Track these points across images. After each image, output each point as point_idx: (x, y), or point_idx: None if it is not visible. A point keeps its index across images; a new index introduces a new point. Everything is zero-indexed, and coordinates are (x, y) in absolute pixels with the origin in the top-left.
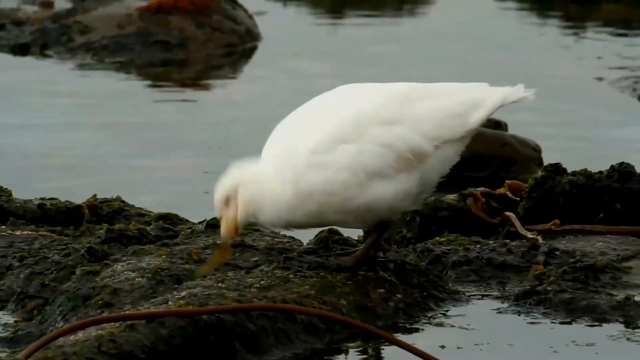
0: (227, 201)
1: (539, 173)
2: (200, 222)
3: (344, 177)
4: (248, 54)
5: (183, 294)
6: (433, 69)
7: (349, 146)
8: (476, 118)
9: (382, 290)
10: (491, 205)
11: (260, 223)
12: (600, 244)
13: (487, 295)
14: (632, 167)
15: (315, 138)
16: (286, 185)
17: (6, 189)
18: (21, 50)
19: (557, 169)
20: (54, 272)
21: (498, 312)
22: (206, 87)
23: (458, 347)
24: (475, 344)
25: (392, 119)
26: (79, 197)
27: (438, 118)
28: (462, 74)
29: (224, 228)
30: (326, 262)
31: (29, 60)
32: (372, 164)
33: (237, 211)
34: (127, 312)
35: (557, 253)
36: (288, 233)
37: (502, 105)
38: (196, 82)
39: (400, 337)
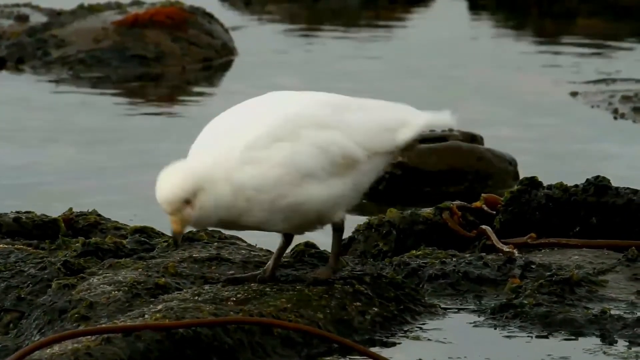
0: (188, 201)
1: (515, 187)
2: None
3: (278, 173)
4: (224, 68)
5: (159, 307)
6: (407, 83)
7: (284, 144)
8: (403, 136)
9: (358, 303)
10: (467, 218)
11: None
12: (577, 257)
13: (463, 309)
14: (608, 180)
15: (250, 135)
16: (221, 182)
17: None
18: None
19: (533, 183)
20: (30, 285)
21: (474, 326)
22: (183, 102)
23: None
24: (451, 358)
25: (327, 124)
26: (55, 211)
27: (369, 129)
28: (436, 89)
29: (177, 226)
30: (303, 276)
31: (3, 74)
32: (306, 164)
33: (195, 212)
34: (103, 325)
35: (534, 266)
36: (264, 246)
37: (428, 129)
38: (173, 96)
39: (377, 350)
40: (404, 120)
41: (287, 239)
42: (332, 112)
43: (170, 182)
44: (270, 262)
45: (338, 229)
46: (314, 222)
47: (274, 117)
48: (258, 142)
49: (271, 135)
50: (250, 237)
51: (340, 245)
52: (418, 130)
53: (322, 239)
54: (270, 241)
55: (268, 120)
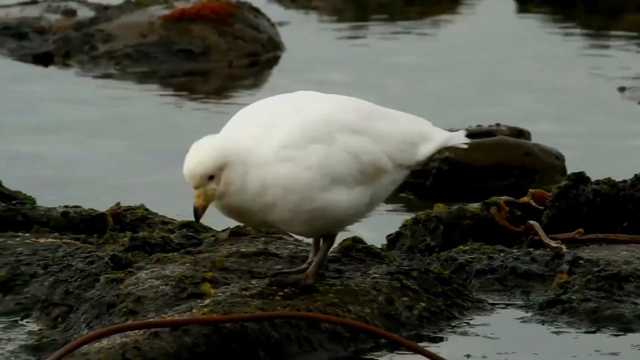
0: (212, 177)
1: (563, 182)
2: (223, 230)
3: (310, 176)
4: (271, 63)
5: (207, 301)
6: (453, 79)
7: (319, 146)
8: (424, 151)
9: (405, 298)
10: (515, 214)
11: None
12: (625, 252)
13: (511, 304)
14: None
15: (285, 132)
16: (254, 170)
17: (30, 197)
18: (44, 59)
19: (580, 178)
20: (78, 279)
21: (522, 321)
22: (230, 97)
23: (483, 357)
24: (499, 353)
25: (359, 130)
26: (102, 205)
27: (396, 140)
28: (483, 85)
29: (199, 200)
30: (286, 279)
31: (51, 69)
32: (338, 170)
33: (219, 188)
34: (151, 319)
35: (581, 262)
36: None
37: (444, 147)
38: (219, 91)
39: (425, 346)
40: (426, 135)
41: (327, 240)
42: (364, 118)
43: (198, 155)
44: (312, 267)
45: (329, 239)
46: (331, 228)
47: (310, 116)
48: (294, 140)
49: (307, 136)
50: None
51: (326, 255)
52: (438, 146)
53: (369, 234)
54: None
55: (303, 119)
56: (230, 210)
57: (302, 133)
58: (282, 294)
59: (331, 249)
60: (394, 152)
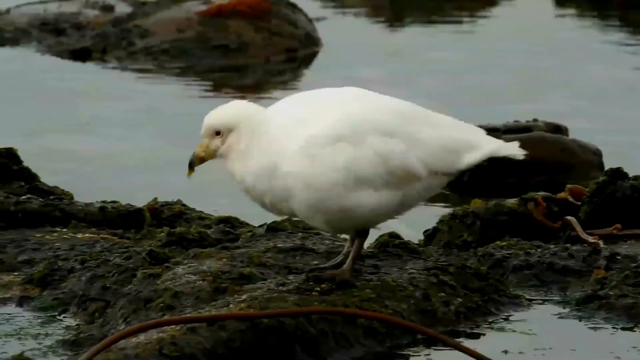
0: (219, 133)
1: (600, 178)
2: (260, 226)
3: (335, 176)
4: (308, 59)
5: (244, 297)
6: (491, 75)
7: (346, 146)
8: (468, 160)
9: (442, 294)
10: (552, 209)
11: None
12: None
13: (548, 300)
14: None
15: (315, 127)
16: (268, 153)
17: (68, 192)
18: (81, 54)
19: (618, 174)
20: (116, 275)
21: (559, 317)
22: (267, 92)
23: (520, 352)
24: (537, 349)
25: (393, 133)
26: (140, 201)
27: (435, 147)
28: (520, 81)
29: (199, 150)
30: (322, 274)
31: (89, 65)
32: (364, 171)
33: (222, 148)
34: (188, 315)
35: (619, 257)
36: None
37: (493, 156)
38: (256, 87)
39: (461, 342)
40: (472, 144)
41: (361, 235)
42: (401, 121)
43: (217, 109)
44: (347, 263)
45: (362, 234)
46: (356, 227)
47: (342, 114)
48: (320, 138)
49: (334, 135)
50: None
51: (361, 249)
52: (484, 156)
53: (406, 230)
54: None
55: (335, 117)
56: (241, 187)
57: (330, 131)
58: (318, 289)
59: (367, 245)
60: (430, 159)
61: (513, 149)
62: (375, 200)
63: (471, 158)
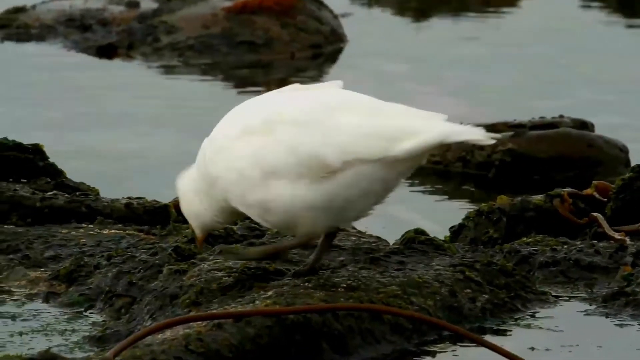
0: None
1: (627, 174)
2: None
3: (241, 166)
4: (333, 55)
5: (270, 293)
6: (516, 70)
7: (254, 137)
8: (404, 147)
9: (468, 290)
10: (578, 206)
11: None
12: None
13: (574, 297)
14: None
15: (232, 125)
16: (198, 171)
17: (94, 188)
18: (107, 50)
19: None
20: (142, 271)
21: (586, 314)
22: None
23: (546, 349)
24: (563, 346)
25: (306, 123)
26: (165, 197)
27: (357, 134)
28: (546, 76)
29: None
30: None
31: (114, 61)
32: (273, 161)
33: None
34: (214, 311)
35: None
36: (374, 233)
37: (445, 142)
38: (282, 83)
39: (488, 338)
40: (408, 130)
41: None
42: (323, 110)
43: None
44: (312, 259)
45: (330, 235)
46: (290, 224)
47: (258, 109)
48: (232, 131)
49: (245, 127)
50: (360, 224)
51: (325, 249)
52: (424, 143)
53: (432, 226)
54: (379, 230)
55: (250, 112)
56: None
57: (241, 124)
58: (344, 285)
59: (392, 241)
60: (349, 147)
61: (471, 134)
62: (290, 192)
63: (407, 145)
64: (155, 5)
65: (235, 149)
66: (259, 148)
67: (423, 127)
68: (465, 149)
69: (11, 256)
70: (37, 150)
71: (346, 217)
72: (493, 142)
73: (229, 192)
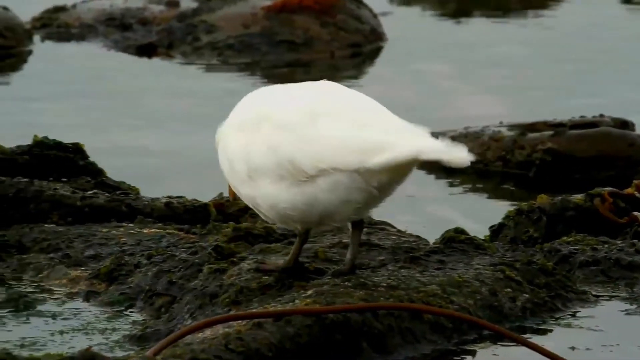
0: None
1: None
2: None
3: (232, 159)
4: (373, 54)
5: (310, 292)
6: (557, 69)
7: (242, 135)
8: (377, 161)
9: (509, 289)
10: (619, 205)
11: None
12: None
13: (615, 296)
14: None
15: (235, 116)
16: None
17: (134, 187)
18: (147, 50)
19: None
20: (182, 270)
21: (627, 314)
22: None
23: (587, 349)
24: (604, 345)
25: (290, 126)
26: (205, 196)
27: (334, 145)
28: (587, 75)
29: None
30: (260, 265)
31: (154, 60)
32: (255, 159)
33: None
34: (254, 310)
35: None
36: (414, 232)
37: (419, 159)
38: None
39: (528, 338)
40: (382, 145)
41: (356, 226)
42: (308, 115)
43: None
44: (289, 255)
45: (299, 233)
46: (281, 219)
47: (253, 106)
48: (233, 122)
49: (237, 124)
50: (400, 223)
51: (300, 246)
52: (394, 158)
53: (472, 225)
54: (419, 229)
55: (247, 108)
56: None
57: (235, 121)
58: (384, 285)
59: (432, 240)
60: (324, 157)
61: (445, 153)
62: (274, 192)
63: (380, 158)
64: (195, 5)
65: (230, 140)
66: (247, 144)
67: (398, 141)
68: (505, 149)
69: (52, 255)
70: (77, 150)
71: (334, 218)
72: (467, 164)
73: (228, 180)
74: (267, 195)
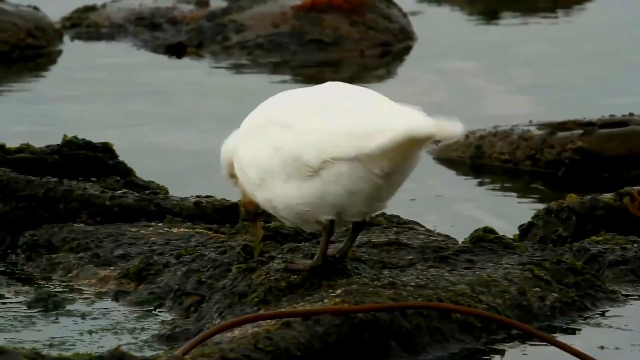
0: (231, 175)
1: None
2: None
3: (244, 165)
4: (402, 53)
5: (339, 291)
6: (586, 68)
7: (252, 140)
8: (373, 145)
9: (537, 289)
10: None
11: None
12: None
13: None
14: None
15: (245, 122)
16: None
17: (163, 187)
18: (177, 49)
19: None
20: (211, 269)
21: None
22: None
23: (616, 348)
24: (634, 345)
25: (289, 124)
26: (234, 195)
27: (330, 133)
28: (615, 74)
29: (242, 197)
30: (288, 264)
31: (184, 60)
32: (264, 161)
33: (239, 185)
34: (283, 309)
35: None
36: (442, 231)
37: (415, 136)
38: (351, 82)
39: (557, 337)
40: (381, 127)
41: (355, 227)
42: (306, 109)
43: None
44: (316, 255)
45: (324, 228)
46: (299, 218)
47: (258, 109)
48: (242, 130)
49: (247, 129)
50: (429, 222)
51: (326, 243)
52: (393, 138)
53: (501, 224)
54: (448, 228)
55: (255, 111)
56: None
57: (244, 127)
58: (413, 284)
59: (462, 240)
60: (324, 147)
61: (440, 127)
62: (285, 191)
63: (376, 141)
64: (224, 4)
65: (240, 148)
66: (255, 149)
67: (392, 124)
68: (535, 148)
69: (81, 254)
70: (106, 149)
71: (347, 212)
72: (460, 136)
73: (245, 189)
74: (280, 196)
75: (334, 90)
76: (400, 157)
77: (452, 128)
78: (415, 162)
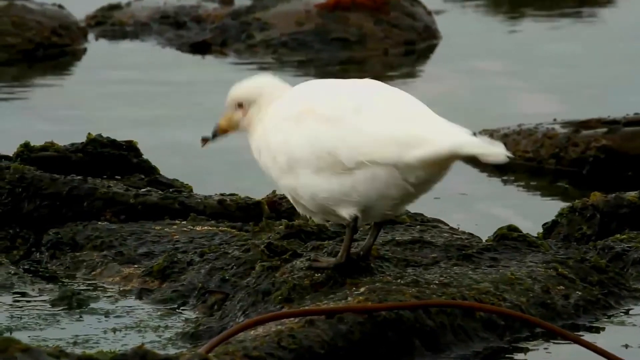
0: (240, 105)
1: None
2: None
3: (275, 150)
4: (427, 51)
5: (362, 290)
6: (610, 68)
7: (289, 124)
8: (415, 155)
9: (561, 287)
10: None
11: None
12: None
13: None
14: None
15: (281, 107)
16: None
17: (187, 185)
18: (201, 47)
19: None
20: (234, 267)
21: None
22: None
23: None
24: None
25: (331, 119)
26: (258, 194)
27: (373, 138)
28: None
29: (222, 121)
30: (312, 263)
31: (208, 58)
32: (295, 152)
33: (244, 120)
34: (306, 307)
35: None
36: (466, 229)
37: (458, 154)
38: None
39: (581, 335)
40: (421, 139)
41: (377, 223)
42: (351, 108)
43: (242, 82)
44: (340, 253)
45: (347, 225)
46: (316, 211)
47: (298, 96)
48: (277, 115)
49: (285, 114)
50: (453, 221)
51: (350, 241)
52: (434, 153)
53: (525, 223)
54: (472, 227)
55: (294, 97)
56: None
57: (283, 111)
58: (437, 282)
59: (485, 238)
60: (363, 149)
61: (485, 149)
62: (313, 182)
63: (418, 152)
64: (248, 2)
65: (271, 130)
66: (287, 137)
67: (438, 136)
68: (559, 146)
69: (105, 252)
70: (131, 147)
71: (370, 214)
72: (506, 160)
73: (268, 173)
74: (307, 186)
75: (375, 90)
76: (437, 169)
77: (496, 151)
78: (447, 173)
